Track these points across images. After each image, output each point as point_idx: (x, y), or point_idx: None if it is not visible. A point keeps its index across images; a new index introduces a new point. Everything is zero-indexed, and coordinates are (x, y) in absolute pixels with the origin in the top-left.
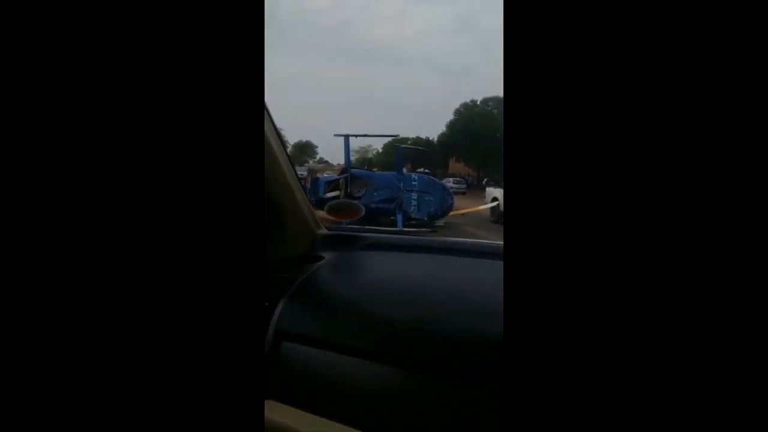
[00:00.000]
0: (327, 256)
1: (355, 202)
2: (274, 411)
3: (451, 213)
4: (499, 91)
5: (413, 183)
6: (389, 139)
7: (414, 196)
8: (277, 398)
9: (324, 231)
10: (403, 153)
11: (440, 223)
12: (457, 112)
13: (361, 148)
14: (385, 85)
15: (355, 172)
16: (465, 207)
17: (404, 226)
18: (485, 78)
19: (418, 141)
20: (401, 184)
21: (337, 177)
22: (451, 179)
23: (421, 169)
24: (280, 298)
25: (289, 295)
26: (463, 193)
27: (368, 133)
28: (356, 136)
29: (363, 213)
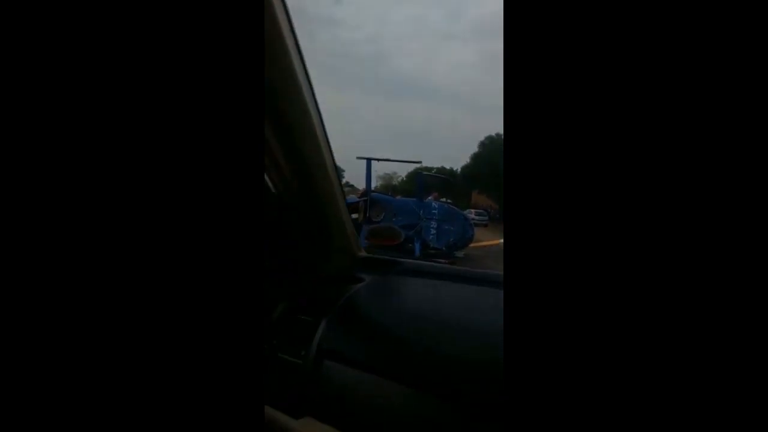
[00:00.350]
0: (367, 278)
1: (395, 227)
2: (308, 427)
3: (472, 245)
4: None
5: (433, 211)
6: (414, 167)
7: (433, 224)
8: (313, 415)
9: (363, 254)
10: (424, 180)
11: (459, 254)
12: (482, 144)
13: (386, 174)
14: (412, 115)
15: (375, 196)
16: (486, 239)
17: (421, 254)
18: None
19: (441, 171)
20: (421, 212)
21: (357, 199)
22: (473, 211)
23: (444, 199)
24: (323, 315)
25: (331, 314)
26: (485, 225)
27: (390, 158)
28: (378, 159)
29: (402, 239)
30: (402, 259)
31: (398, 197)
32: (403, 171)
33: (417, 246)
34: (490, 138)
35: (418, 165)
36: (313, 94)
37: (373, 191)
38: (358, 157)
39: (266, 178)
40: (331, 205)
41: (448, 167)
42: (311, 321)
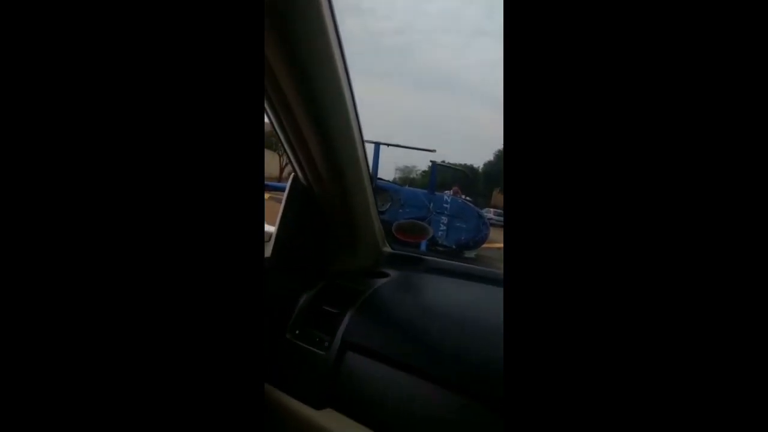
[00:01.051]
0: (392, 273)
1: (423, 223)
2: (329, 419)
3: (487, 246)
4: None
5: (445, 205)
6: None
7: (444, 220)
8: (334, 406)
9: (389, 249)
10: (438, 171)
11: (471, 254)
12: None
13: (406, 167)
14: (438, 108)
15: (381, 184)
16: (498, 242)
17: (428, 251)
18: None
19: (462, 166)
20: (431, 205)
21: None
22: (492, 210)
23: (464, 197)
24: (348, 308)
25: (356, 307)
26: (503, 226)
27: (400, 144)
28: (387, 145)
29: (431, 235)
30: (428, 257)
31: (407, 187)
32: (423, 164)
33: (423, 242)
34: None
35: (431, 154)
36: (350, 83)
37: (380, 179)
38: (366, 141)
39: (296, 169)
40: (361, 199)
41: (469, 164)
42: (336, 313)
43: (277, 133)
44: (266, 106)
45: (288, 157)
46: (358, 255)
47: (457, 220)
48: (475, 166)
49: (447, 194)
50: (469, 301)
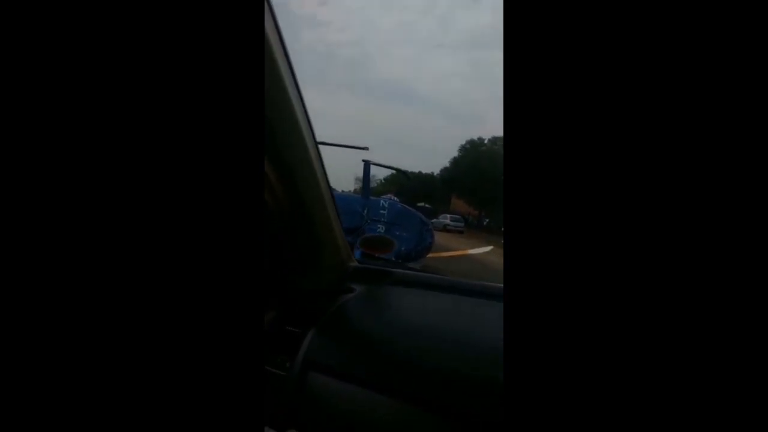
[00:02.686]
0: (357, 288)
1: (389, 237)
2: None
3: (436, 254)
4: None
5: (381, 212)
6: (365, 160)
7: (380, 228)
8: (297, 427)
9: (355, 264)
10: (369, 171)
11: (415, 266)
12: (463, 148)
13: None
14: (394, 119)
15: None
16: (455, 249)
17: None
18: (495, 126)
19: (419, 176)
20: (365, 212)
21: None
22: (448, 216)
23: (422, 204)
24: (309, 327)
25: (319, 325)
26: (460, 232)
27: (330, 142)
28: (321, 143)
29: (395, 248)
30: (394, 270)
31: (339, 191)
32: (381, 173)
33: (356, 255)
34: (471, 142)
35: (364, 149)
36: (302, 99)
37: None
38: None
39: None
40: (322, 214)
41: (426, 172)
42: (298, 332)
43: None
44: None
45: None
46: (322, 271)
47: (396, 228)
48: (435, 174)
49: (385, 198)
50: (436, 313)
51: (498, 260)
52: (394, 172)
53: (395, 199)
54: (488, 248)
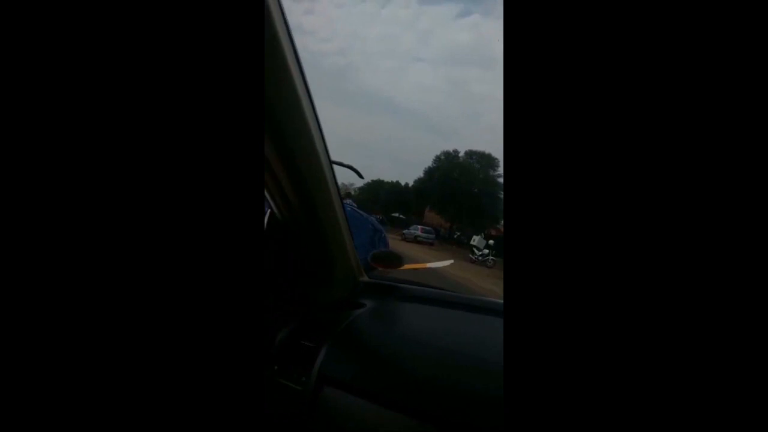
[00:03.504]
0: (368, 303)
1: (398, 253)
2: None
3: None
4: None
5: None
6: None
7: None
8: None
9: (365, 278)
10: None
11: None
12: (437, 159)
13: (343, 185)
14: (371, 129)
15: None
16: (417, 261)
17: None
18: (470, 141)
19: (396, 185)
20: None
21: None
22: (419, 227)
23: (396, 214)
24: (323, 341)
25: (332, 340)
26: (431, 244)
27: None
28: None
29: (404, 263)
30: (403, 285)
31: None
32: (358, 182)
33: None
34: (446, 153)
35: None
36: (314, 109)
37: None
38: None
39: (271, 204)
40: (334, 230)
41: (403, 183)
42: (312, 347)
43: None
44: None
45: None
46: (334, 286)
47: None
48: (410, 184)
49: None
50: (445, 329)
51: (457, 272)
52: (369, 181)
53: (349, 201)
54: (449, 262)
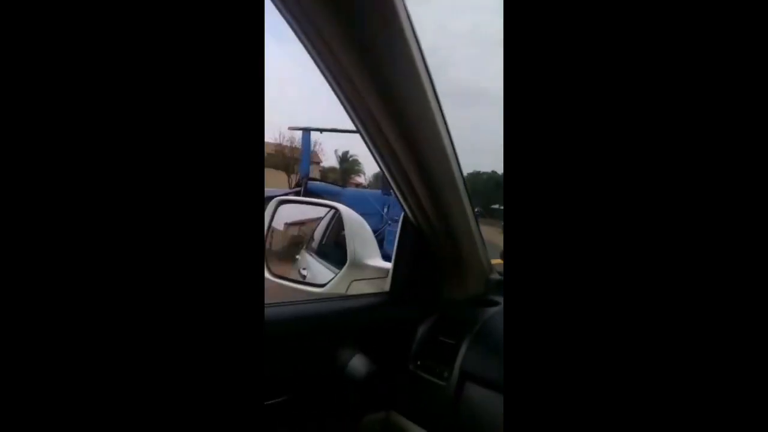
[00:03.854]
0: (500, 300)
1: None
2: None
3: None
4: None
5: (395, 209)
6: (466, 173)
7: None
8: None
9: (496, 276)
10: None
11: None
12: None
13: (347, 153)
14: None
15: (315, 187)
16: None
17: None
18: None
19: (493, 176)
20: (385, 210)
21: (286, 192)
22: None
23: (496, 205)
24: (462, 338)
25: (471, 337)
26: None
27: (333, 128)
28: (318, 130)
29: None
30: None
31: (350, 189)
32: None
33: None
34: None
35: (353, 132)
36: (441, 108)
37: (313, 179)
38: (290, 128)
39: (406, 209)
40: (466, 233)
41: (500, 172)
42: (451, 343)
43: (388, 179)
44: (377, 158)
45: (398, 199)
46: (467, 285)
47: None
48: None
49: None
50: None
51: None
52: (466, 174)
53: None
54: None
